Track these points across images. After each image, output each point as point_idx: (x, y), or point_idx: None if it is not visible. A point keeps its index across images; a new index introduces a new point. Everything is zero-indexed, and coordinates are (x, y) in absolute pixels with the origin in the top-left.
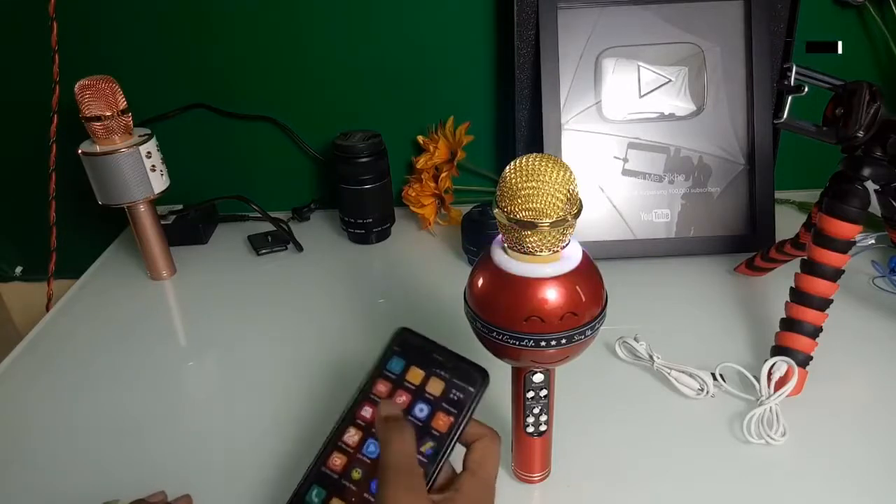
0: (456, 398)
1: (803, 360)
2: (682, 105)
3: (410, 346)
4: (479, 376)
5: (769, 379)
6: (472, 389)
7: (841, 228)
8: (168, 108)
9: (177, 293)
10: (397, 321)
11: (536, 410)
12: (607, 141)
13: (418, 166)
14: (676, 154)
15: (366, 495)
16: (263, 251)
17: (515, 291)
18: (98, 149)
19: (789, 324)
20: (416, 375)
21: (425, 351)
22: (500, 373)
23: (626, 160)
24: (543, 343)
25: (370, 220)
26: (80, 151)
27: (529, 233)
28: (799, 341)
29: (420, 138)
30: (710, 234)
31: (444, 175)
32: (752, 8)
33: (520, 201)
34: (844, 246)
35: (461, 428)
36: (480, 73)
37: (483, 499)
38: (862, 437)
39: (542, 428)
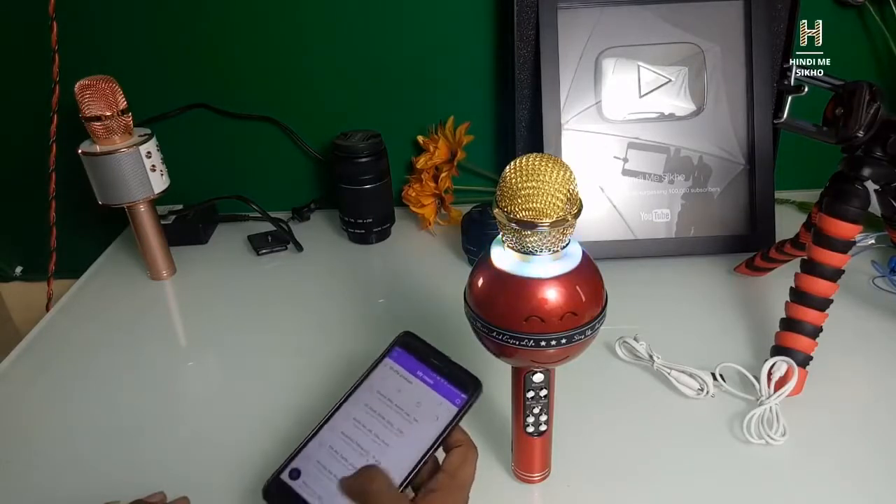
0: (447, 402)
1: (803, 360)
2: (682, 105)
3: (411, 348)
4: (473, 385)
5: (769, 379)
6: (464, 396)
7: (841, 228)
8: (168, 108)
9: (177, 293)
10: (397, 321)
11: (536, 410)
12: (607, 141)
13: (418, 166)
14: (676, 154)
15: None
16: (263, 251)
17: (515, 291)
18: (98, 149)
19: (789, 324)
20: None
21: (424, 354)
22: (500, 373)
23: (626, 160)
24: (543, 343)
25: (370, 220)
26: (80, 151)
27: (529, 233)
28: (799, 341)
29: (420, 138)
30: (710, 234)
31: (444, 175)
32: (752, 8)
33: (520, 201)
34: (844, 246)
35: (449, 430)
36: (480, 72)
37: (456, 501)
38: (862, 437)
39: (542, 428)
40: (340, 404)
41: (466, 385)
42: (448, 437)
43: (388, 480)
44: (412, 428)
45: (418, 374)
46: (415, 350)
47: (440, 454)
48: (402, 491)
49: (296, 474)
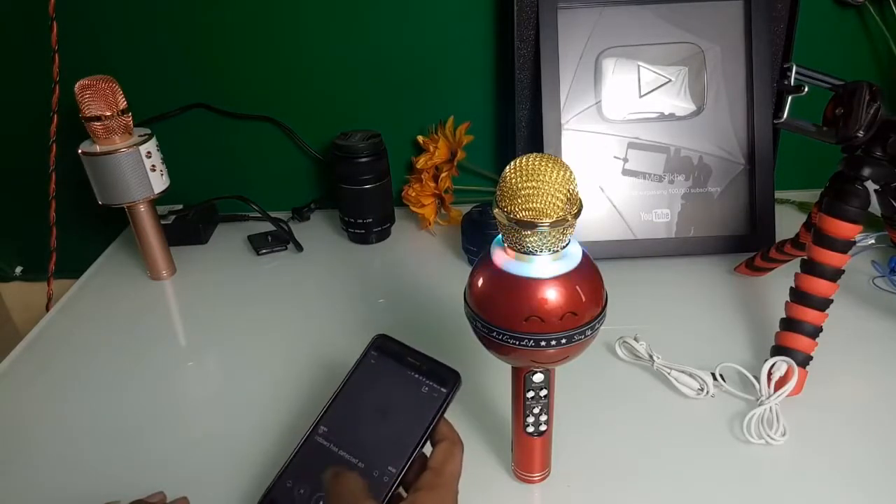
0: (429, 398)
1: (803, 360)
2: (682, 105)
3: (386, 350)
4: (452, 378)
5: (769, 379)
6: (444, 390)
7: (841, 228)
8: (168, 108)
9: (177, 293)
10: (397, 321)
11: (536, 410)
12: (607, 141)
13: (418, 166)
14: (676, 154)
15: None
16: (263, 251)
17: (515, 291)
18: (98, 149)
19: (789, 324)
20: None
21: (401, 355)
22: (500, 373)
23: (626, 160)
24: (543, 343)
25: (370, 220)
26: (80, 151)
27: (529, 233)
28: (799, 341)
29: (420, 138)
30: (710, 234)
31: (444, 175)
32: (752, 8)
33: (520, 201)
34: (844, 246)
35: (432, 426)
36: (480, 72)
37: (445, 498)
38: (862, 437)
39: (542, 428)
40: (322, 414)
41: (445, 379)
42: (433, 433)
43: (354, 481)
44: (396, 428)
45: (396, 374)
46: (390, 351)
47: (428, 450)
48: (394, 491)
49: (285, 491)
